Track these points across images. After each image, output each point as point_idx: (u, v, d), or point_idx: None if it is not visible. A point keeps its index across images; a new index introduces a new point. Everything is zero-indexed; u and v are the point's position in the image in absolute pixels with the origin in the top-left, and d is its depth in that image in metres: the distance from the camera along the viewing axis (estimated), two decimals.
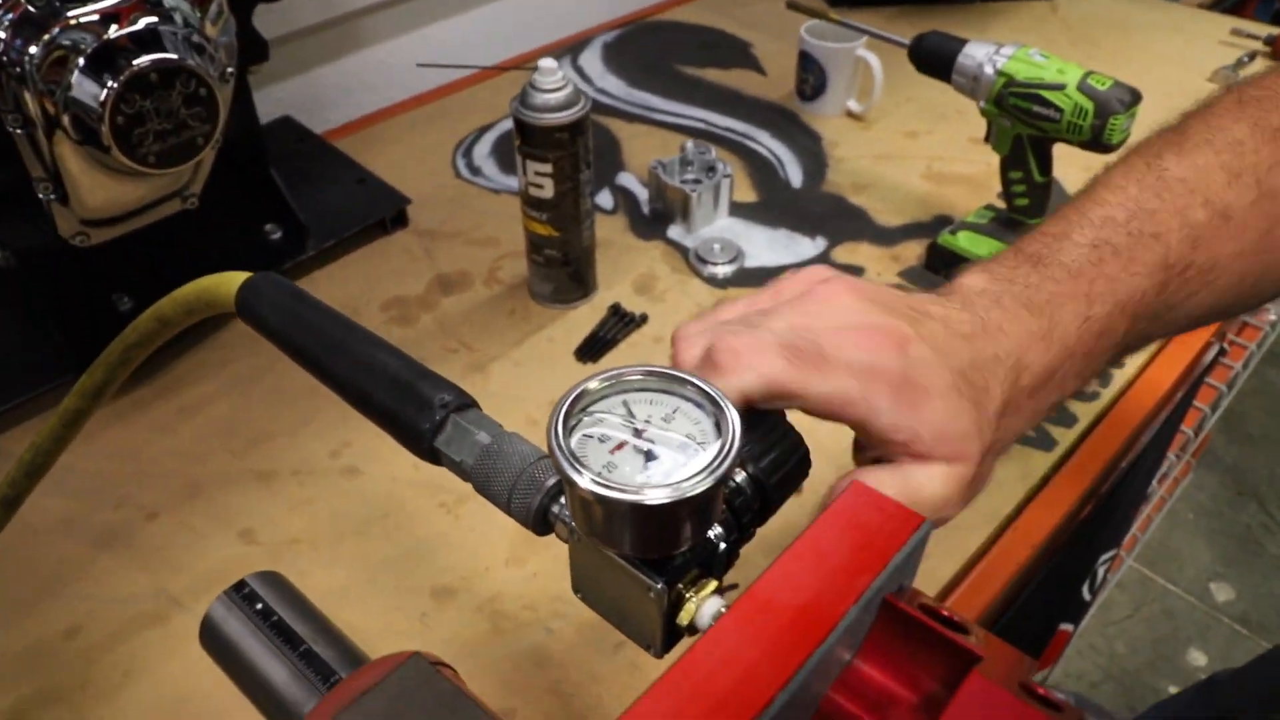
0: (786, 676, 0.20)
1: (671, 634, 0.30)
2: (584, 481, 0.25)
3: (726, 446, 0.25)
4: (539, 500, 0.29)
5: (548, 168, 0.80)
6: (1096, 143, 0.77)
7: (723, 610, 0.28)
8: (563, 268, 0.87)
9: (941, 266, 0.92)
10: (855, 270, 0.94)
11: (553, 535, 0.33)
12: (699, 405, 0.27)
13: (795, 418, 0.39)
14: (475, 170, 1.08)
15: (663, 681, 0.21)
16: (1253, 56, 1.27)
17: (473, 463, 0.31)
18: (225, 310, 0.39)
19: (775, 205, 1.03)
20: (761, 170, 1.08)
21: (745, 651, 0.22)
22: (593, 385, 0.28)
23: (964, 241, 0.89)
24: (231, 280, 0.38)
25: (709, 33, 1.37)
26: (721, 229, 1.00)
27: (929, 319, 0.39)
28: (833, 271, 0.41)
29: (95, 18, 0.63)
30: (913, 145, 1.12)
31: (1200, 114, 0.48)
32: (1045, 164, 0.83)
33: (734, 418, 0.26)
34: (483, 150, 1.11)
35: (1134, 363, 0.85)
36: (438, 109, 1.19)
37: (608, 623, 0.32)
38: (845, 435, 0.41)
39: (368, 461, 0.76)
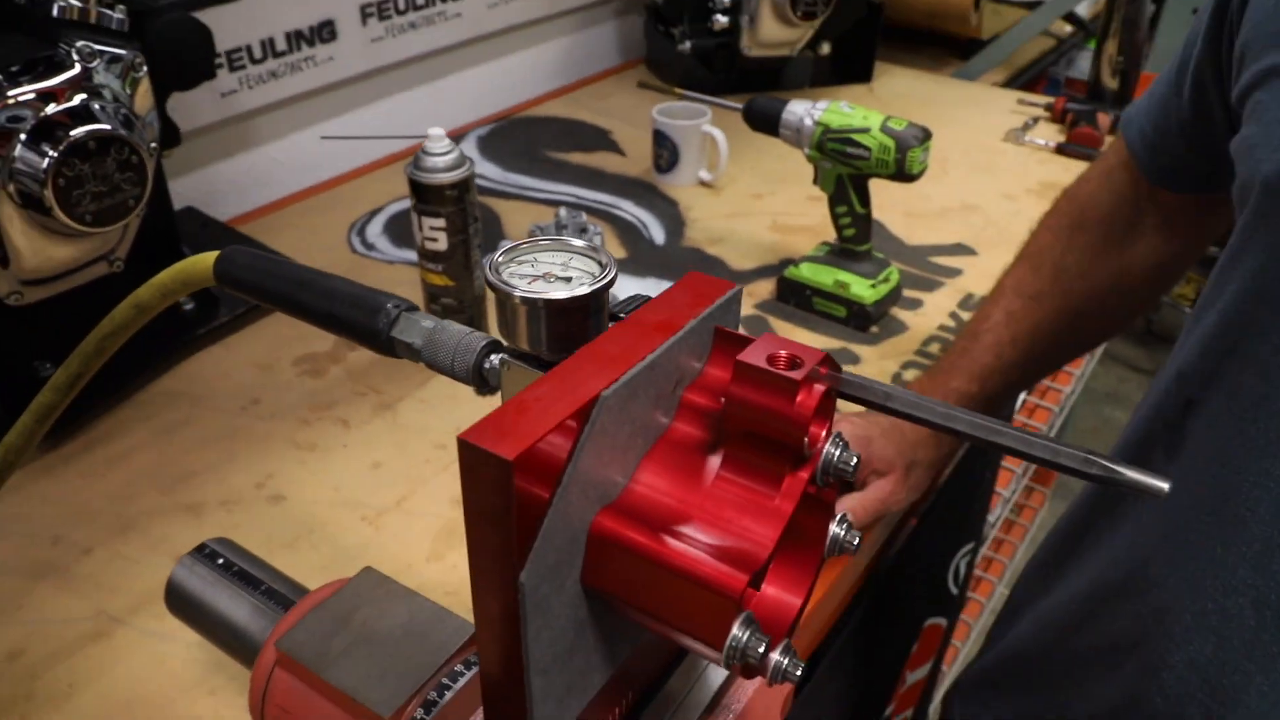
0: (652, 349, 0.33)
1: None
2: (516, 293, 0.35)
3: (606, 273, 0.36)
4: (474, 359, 0.39)
5: (441, 222, 0.91)
6: (901, 173, 0.93)
7: None
8: (459, 314, 0.97)
9: (790, 296, 1.06)
10: None
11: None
12: (586, 256, 0.38)
13: None
14: (369, 246, 1.18)
15: (563, 365, 0.33)
16: (1036, 121, 1.50)
17: (421, 343, 0.40)
18: (204, 284, 0.47)
19: (642, 260, 1.17)
20: (628, 232, 1.22)
21: (624, 339, 0.34)
22: (508, 248, 0.38)
23: (806, 271, 1.04)
24: (204, 259, 0.47)
25: (572, 123, 1.52)
26: None
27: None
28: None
29: (33, 96, 0.72)
30: (759, 204, 1.28)
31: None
32: (864, 197, 0.99)
33: (609, 259, 0.37)
34: (375, 229, 1.21)
35: None
36: (330, 198, 1.29)
37: None
38: None
39: (291, 488, 0.82)
